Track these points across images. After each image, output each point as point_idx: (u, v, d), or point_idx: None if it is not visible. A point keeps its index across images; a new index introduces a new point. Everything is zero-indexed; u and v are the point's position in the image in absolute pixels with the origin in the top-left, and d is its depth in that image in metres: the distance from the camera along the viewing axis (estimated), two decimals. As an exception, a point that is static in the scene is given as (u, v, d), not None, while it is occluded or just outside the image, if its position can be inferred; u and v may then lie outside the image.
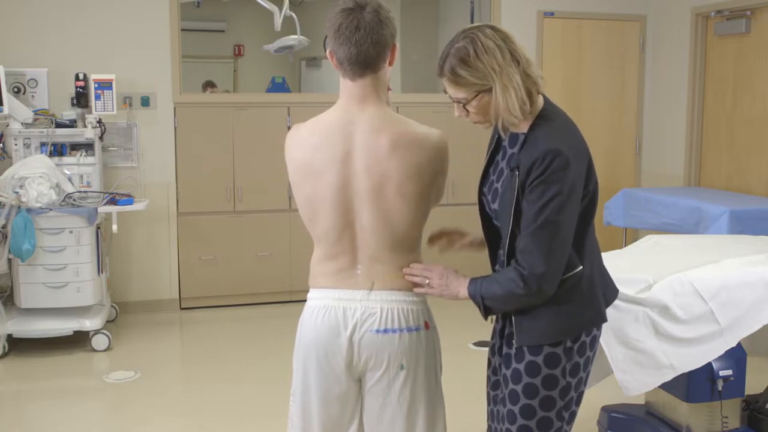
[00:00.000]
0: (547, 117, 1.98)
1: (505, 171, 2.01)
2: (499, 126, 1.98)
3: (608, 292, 2.13)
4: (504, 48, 1.92)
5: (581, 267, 1.99)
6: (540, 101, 2.01)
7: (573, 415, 2.05)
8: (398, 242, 2.02)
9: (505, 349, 2.08)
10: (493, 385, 2.14)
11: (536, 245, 1.89)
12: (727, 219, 4.65)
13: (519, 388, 2.01)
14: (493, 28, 1.96)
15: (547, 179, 1.88)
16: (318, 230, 2.05)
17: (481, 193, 2.13)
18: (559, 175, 1.87)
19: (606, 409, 3.43)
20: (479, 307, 2.00)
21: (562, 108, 2.08)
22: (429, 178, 1.99)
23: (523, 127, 1.99)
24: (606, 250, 3.46)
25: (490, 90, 1.92)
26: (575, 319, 2.00)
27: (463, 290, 2.01)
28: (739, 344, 3.00)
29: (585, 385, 2.07)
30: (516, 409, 2.03)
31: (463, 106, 1.98)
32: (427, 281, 2.02)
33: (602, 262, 2.13)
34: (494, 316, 2.11)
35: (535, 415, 2.01)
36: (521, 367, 2.01)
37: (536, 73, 1.97)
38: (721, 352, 2.87)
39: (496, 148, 2.12)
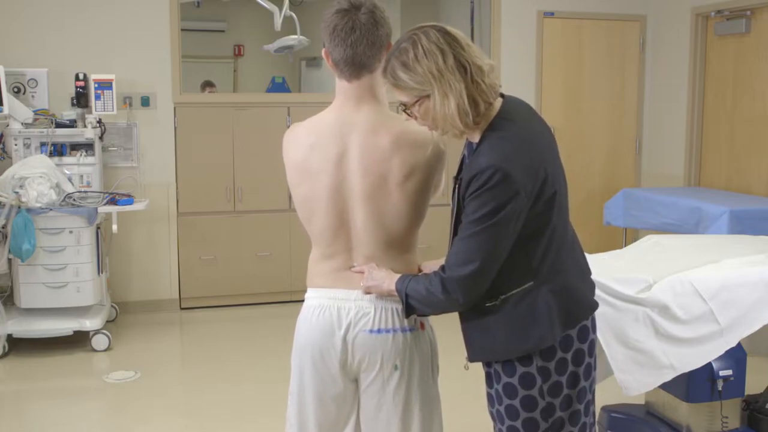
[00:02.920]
0: (498, 128, 1.86)
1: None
2: (436, 135, 1.89)
3: (576, 309, 1.96)
4: (447, 52, 1.80)
5: (531, 283, 1.89)
6: (495, 108, 1.88)
7: None
8: (393, 242, 2.02)
9: (485, 368, 2.05)
10: (488, 400, 2.08)
11: (461, 252, 1.84)
12: (727, 219, 4.66)
13: (502, 409, 1.99)
14: (440, 30, 1.84)
15: (483, 195, 1.80)
16: (314, 230, 2.05)
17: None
18: (495, 192, 1.79)
19: (606, 409, 3.43)
20: (402, 302, 1.95)
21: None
22: (428, 175, 1.99)
23: (475, 137, 1.90)
24: (606, 250, 3.49)
25: (429, 96, 1.82)
26: (520, 337, 1.90)
27: (389, 283, 1.95)
28: (739, 344, 3.00)
29: (580, 402, 1.97)
30: (504, 428, 2.00)
31: (405, 110, 1.89)
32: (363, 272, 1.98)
33: (577, 278, 1.99)
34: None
35: None
36: (500, 388, 1.97)
37: (490, 81, 1.84)
38: (721, 352, 2.87)
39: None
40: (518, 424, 1.96)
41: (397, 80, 1.85)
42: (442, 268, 1.88)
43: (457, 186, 1.92)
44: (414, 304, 1.93)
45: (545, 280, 1.91)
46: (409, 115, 1.90)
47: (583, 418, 2.00)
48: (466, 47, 1.84)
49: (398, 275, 1.97)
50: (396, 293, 1.95)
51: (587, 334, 1.99)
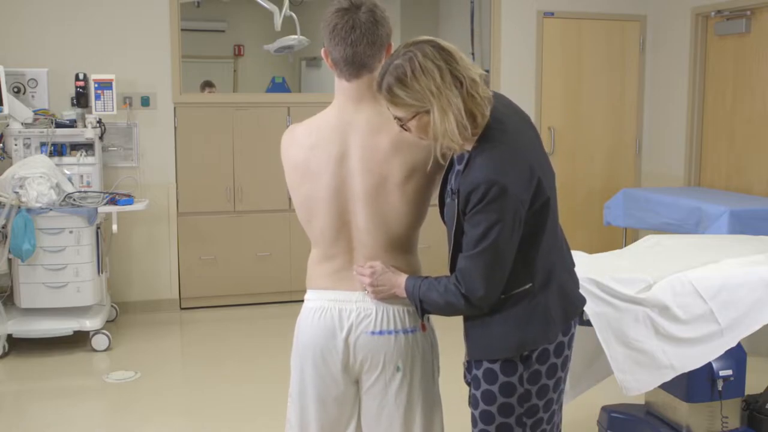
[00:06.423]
0: (491, 138, 1.86)
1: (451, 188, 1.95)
2: (437, 151, 1.87)
3: (569, 306, 2.03)
4: (444, 69, 1.80)
5: (530, 284, 1.94)
6: (486, 116, 1.87)
7: (539, 422, 2.00)
8: (394, 243, 2.02)
9: (474, 370, 2.06)
10: (469, 386, 2.11)
11: (475, 269, 1.86)
12: (727, 219, 4.66)
13: (478, 393, 2.01)
14: (435, 45, 1.83)
15: (484, 209, 1.82)
16: (315, 231, 2.05)
17: (441, 194, 2.05)
18: (495, 205, 1.82)
19: (606, 409, 3.43)
20: (416, 307, 1.97)
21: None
22: (429, 175, 1.99)
23: (468, 146, 1.89)
24: (606, 250, 3.49)
25: (428, 111, 1.81)
26: (517, 336, 1.94)
27: (400, 289, 1.98)
28: (739, 344, 2.99)
29: (555, 391, 2.02)
30: (477, 413, 2.03)
31: (400, 125, 1.88)
32: (368, 277, 1.98)
33: (565, 277, 2.04)
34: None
35: (494, 420, 1.99)
36: (480, 373, 2.00)
37: (483, 93, 1.84)
38: (721, 352, 2.87)
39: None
40: (494, 408, 1.98)
41: (393, 96, 1.83)
42: (457, 279, 1.90)
43: (455, 198, 1.91)
44: (429, 309, 1.97)
45: (542, 281, 1.95)
46: (403, 128, 1.88)
47: (554, 406, 2.03)
48: (460, 60, 1.84)
49: (404, 277, 1.98)
50: (406, 296, 1.97)
51: (570, 327, 2.04)
